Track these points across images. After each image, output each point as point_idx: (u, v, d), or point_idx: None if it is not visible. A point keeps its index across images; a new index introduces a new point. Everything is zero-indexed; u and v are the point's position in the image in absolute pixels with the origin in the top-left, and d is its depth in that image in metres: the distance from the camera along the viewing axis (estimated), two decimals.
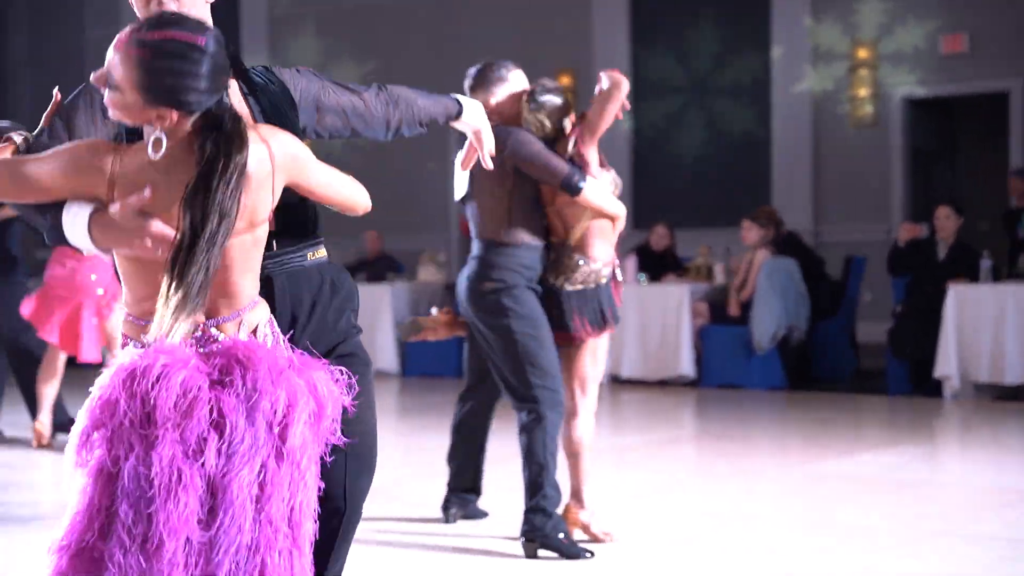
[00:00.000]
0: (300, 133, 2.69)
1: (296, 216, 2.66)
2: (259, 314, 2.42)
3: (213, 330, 2.35)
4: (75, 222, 2.30)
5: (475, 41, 13.81)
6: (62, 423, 6.96)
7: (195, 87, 2.22)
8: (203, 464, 2.23)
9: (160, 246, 2.26)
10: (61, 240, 2.36)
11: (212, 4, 2.61)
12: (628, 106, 4.35)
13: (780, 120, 12.87)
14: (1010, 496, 5.40)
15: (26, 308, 6.78)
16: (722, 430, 7.57)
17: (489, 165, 3.13)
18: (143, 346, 2.31)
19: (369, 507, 5.16)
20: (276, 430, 2.28)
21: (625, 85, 4.35)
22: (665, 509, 5.18)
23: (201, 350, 2.32)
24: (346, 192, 2.57)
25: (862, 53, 12.46)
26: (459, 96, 3.08)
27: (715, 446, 7.01)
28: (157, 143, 2.24)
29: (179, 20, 2.26)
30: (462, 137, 3.22)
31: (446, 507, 4.90)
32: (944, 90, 12.30)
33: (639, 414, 8.51)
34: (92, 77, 2.30)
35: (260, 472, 2.27)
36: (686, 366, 9.33)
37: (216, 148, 2.22)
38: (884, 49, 12.39)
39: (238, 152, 2.24)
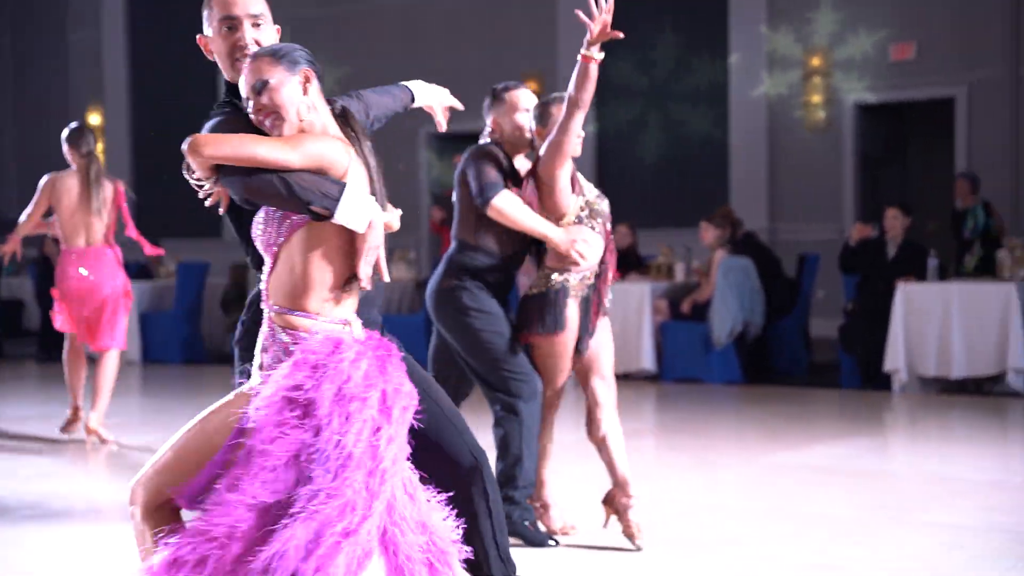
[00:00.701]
0: None
1: None
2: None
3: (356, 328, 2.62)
4: (362, 205, 2.54)
5: (443, 47, 13.78)
6: None
7: (308, 56, 2.66)
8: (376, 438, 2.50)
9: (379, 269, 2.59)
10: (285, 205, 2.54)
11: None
12: (619, 35, 3.89)
13: (737, 124, 12.93)
14: (956, 485, 5.43)
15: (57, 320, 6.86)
16: (682, 423, 7.58)
17: (444, 128, 3.57)
18: (302, 338, 2.52)
19: None
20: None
21: (586, 94, 4.19)
22: None
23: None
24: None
25: (815, 60, 12.53)
26: (408, 83, 3.40)
27: (675, 438, 7.02)
28: (311, 107, 2.62)
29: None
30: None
31: None
32: (893, 96, 12.39)
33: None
34: (252, 116, 2.62)
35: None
36: (647, 361, 9.34)
37: (361, 135, 2.67)
38: (836, 57, 12.46)
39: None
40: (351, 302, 2.60)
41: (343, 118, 2.68)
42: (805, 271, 10.04)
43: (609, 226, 4.43)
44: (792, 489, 5.41)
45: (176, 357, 11.26)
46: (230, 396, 2.57)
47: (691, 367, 9.38)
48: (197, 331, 11.47)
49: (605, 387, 4.40)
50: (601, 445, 4.37)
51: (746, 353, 9.35)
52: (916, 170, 13.39)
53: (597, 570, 4.12)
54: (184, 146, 2.54)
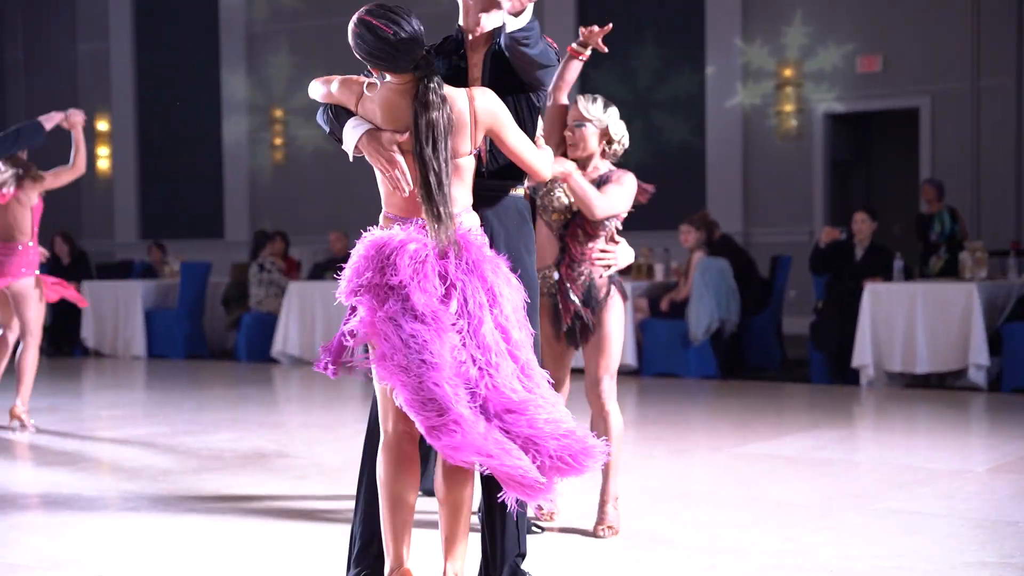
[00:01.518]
0: (520, 90, 3.17)
1: (505, 160, 3.15)
2: (471, 219, 2.97)
3: None
4: (354, 131, 3.01)
5: None
6: None
7: (380, 58, 2.94)
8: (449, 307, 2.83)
9: (393, 181, 2.92)
10: (332, 131, 3.11)
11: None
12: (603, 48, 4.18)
13: (714, 132, 12.94)
14: (917, 474, 5.45)
15: None
16: (660, 415, 7.59)
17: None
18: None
19: (333, 486, 5.05)
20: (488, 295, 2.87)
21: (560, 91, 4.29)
22: None
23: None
24: (531, 157, 3.01)
25: (787, 72, 12.56)
26: None
27: (654, 430, 7.03)
28: (371, 86, 3.01)
29: (384, 13, 2.94)
30: None
31: None
32: (861, 106, 12.43)
33: (584, 401, 8.51)
34: None
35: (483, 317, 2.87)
36: (628, 357, 9.35)
37: (418, 109, 2.88)
38: (807, 69, 12.49)
39: (434, 110, 2.87)
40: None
41: (424, 84, 2.92)
42: (778, 272, 10.07)
43: (578, 224, 4.29)
44: (762, 478, 5.42)
45: (179, 353, 11.24)
46: None
47: (670, 363, 9.39)
48: (199, 328, 11.45)
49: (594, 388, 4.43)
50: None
51: (722, 349, 9.37)
52: (882, 176, 13.43)
53: (577, 554, 4.12)
54: None
